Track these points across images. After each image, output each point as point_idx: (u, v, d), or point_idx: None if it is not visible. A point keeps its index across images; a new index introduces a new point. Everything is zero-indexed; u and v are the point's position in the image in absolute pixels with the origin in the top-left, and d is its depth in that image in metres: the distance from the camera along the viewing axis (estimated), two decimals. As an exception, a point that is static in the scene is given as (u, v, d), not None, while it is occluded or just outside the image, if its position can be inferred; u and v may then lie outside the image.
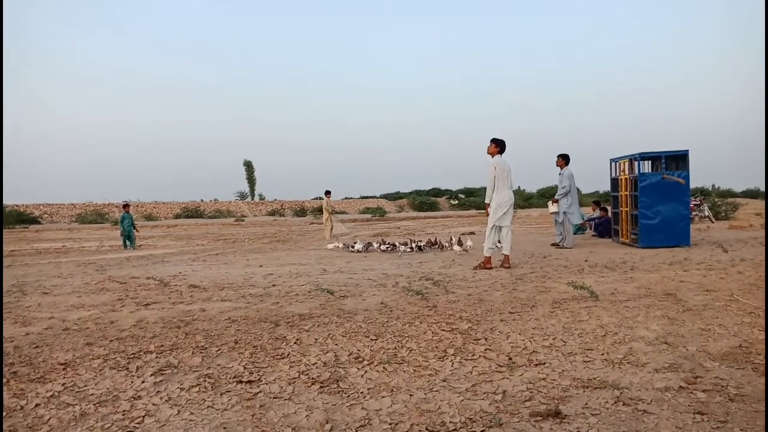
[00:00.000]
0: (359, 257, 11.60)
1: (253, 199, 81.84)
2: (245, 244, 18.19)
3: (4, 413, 3.29)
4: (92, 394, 3.56)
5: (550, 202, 12.38)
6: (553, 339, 4.46)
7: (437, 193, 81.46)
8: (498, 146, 8.96)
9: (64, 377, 3.92)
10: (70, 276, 9.61)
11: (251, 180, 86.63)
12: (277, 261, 11.36)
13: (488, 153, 9.00)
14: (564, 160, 12.09)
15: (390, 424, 2.94)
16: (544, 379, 3.56)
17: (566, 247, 11.79)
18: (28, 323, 5.62)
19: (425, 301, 6.11)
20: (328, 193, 19.72)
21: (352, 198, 78.64)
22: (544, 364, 3.86)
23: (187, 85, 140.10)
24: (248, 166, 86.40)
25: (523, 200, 62.78)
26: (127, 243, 17.42)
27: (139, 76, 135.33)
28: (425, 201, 72.19)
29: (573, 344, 4.31)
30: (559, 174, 12.15)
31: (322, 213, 19.78)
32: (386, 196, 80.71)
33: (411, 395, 3.34)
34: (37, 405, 3.40)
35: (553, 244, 12.45)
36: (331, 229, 19.22)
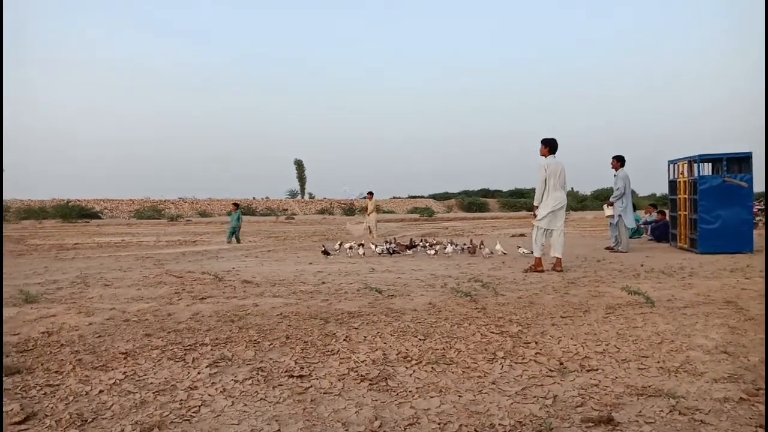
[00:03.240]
0: (407, 257, 11.62)
1: (303, 197, 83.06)
2: (295, 242, 18.48)
3: (71, 398, 3.47)
4: (151, 383, 3.70)
5: (606, 204, 12.11)
6: (607, 345, 4.37)
7: (486, 193, 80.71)
8: (548, 147, 8.80)
9: (125, 366, 4.09)
10: (129, 269, 9.99)
11: (302, 179, 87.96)
12: (327, 259, 11.50)
13: (540, 155, 8.86)
14: (619, 161, 11.80)
15: (438, 423, 2.96)
16: (596, 385, 3.50)
17: (621, 251, 11.50)
18: (92, 313, 5.87)
19: (474, 302, 6.08)
20: (371, 194, 19.76)
21: (400, 198, 78.78)
22: (597, 370, 3.80)
23: (239, 82, 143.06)
24: (299, 165, 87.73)
25: (577, 202, 61.47)
26: (232, 238, 18.16)
27: (190, 69, 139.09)
28: (474, 201, 71.64)
29: (627, 351, 4.21)
30: (614, 176, 11.87)
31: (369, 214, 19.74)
32: (434, 197, 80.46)
33: (460, 396, 3.34)
34: (100, 391, 3.57)
35: (607, 248, 12.16)
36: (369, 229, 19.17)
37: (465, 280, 7.68)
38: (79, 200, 53.21)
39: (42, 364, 4.17)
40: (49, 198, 53.16)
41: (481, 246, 11.89)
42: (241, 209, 19.47)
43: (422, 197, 79.87)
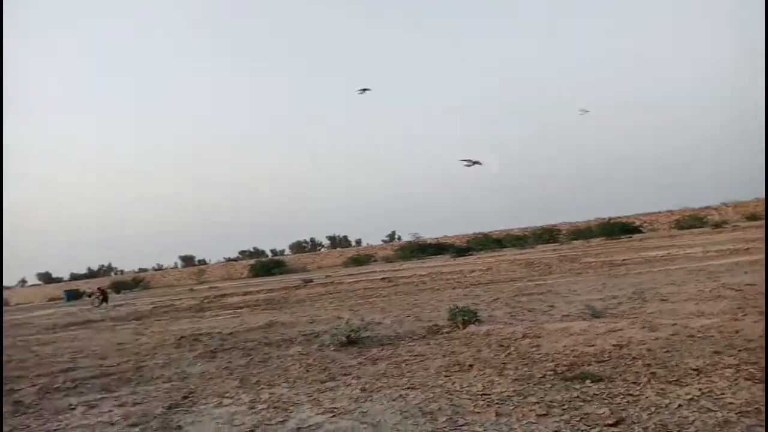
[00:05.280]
0: None
1: None
2: None
3: (652, 408, 3.76)
4: (732, 404, 3.65)
5: None
6: None
7: None
8: None
9: (699, 382, 4.16)
10: (682, 283, 9.94)
11: None
12: None
13: None
14: None
15: None
16: None
17: None
18: (655, 329, 6.14)
19: None
20: None
21: None
22: None
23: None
24: None
25: None
26: None
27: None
28: None
29: None
30: None
31: None
32: None
33: None
34: (679, 405, 3.74)
35: None
36: None
37: None
38: (619, 217, 55.52)
39: (620, 375, 4.64)
40: (593, 218, 57.41)
41: None
42: None
43: None
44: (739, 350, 4.87)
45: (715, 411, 3.55)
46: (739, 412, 3.47)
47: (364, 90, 19.47)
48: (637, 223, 53.94)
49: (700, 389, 3.99)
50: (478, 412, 4.09)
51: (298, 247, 75.22)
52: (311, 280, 25.17)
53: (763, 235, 23.71)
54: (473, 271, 21.03)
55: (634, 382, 4.38)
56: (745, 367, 4.34)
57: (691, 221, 48.08)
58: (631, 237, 41.72)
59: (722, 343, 5.21)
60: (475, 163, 15.19)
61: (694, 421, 3.45)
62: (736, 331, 5.54)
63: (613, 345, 5.67)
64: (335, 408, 4.55)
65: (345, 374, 5.73)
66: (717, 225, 41.54)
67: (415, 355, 6.29)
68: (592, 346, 5.77)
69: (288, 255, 69.24)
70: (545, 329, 6.86)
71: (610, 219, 53.67)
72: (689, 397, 3.87)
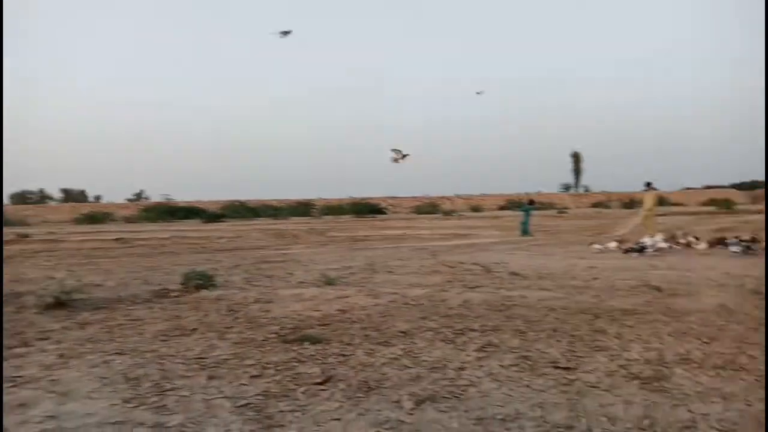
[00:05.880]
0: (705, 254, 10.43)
1: (577, 190, 79.90)
2: (566, 237, 17.96)
3: (359, 367, 3.98)
4: (425, 361, 4.04)
5: None
6: None
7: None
8: None
9: (403, 343, 4.53)
10: (408, 259, 10.92)
11: (577, 171, 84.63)
12: (602, 255, 10.97)
13: None
14: None
15: (719, 430, 2.66)
16: None
17: None
18: (377, 296, 6.59)
19: (778, 305, 5.23)
20: (648, 185, 16.97)
21: (693, 188, 70.36)
22: None
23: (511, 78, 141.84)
24: (576, 157, 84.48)
25: None
26: (526, 231, 18.49)
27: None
28: (789, 191, 60.14)
29: None
30: None
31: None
32: (738, 186, 69.67)
33: (749, 405, 2.95)
34: (383, 363, 4.02)
35: None
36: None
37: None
38: (369, 198, 59.29)
39: (338, 337, 4.83)
40: (346, 196, 60.39)
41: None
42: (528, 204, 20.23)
43: (722, 187, 69.89)
44: (442, 316, 5.45)
45: (411, 367, 3.89)
46: (430, 368, 3.85)
47: (286, 33, 17.06)
48: (384, 205, 58.01)
49: (403, 349, 4.35)
50: (189, 376, 3.89)
51: (20, 198, 65.29)
52: (28, 236, 21.96)
53: (477, 224, 27.35)
54: (221, 237, 20.50)
55: (348, 344, 4.59)
56: (443, 330, 4.86)
57: (428, 208, 53.49)
58: (376, 217, 44.68)
59: (429, 310, 5.78)
60: (405, 156, 16.99)
61: (392, 376, 3.72)
62: (442, 300, 6.21)
63: (338, 310, 5.93)
64: (19, 377, 3.93)
65: (42, 339, 5.02)
66: (447, 213, 46.80)
67: (133, 320, 5.79)
68: (319, 311, 5.95)
69: (7, 205, 59.72)
70: (278, 295, 6.92)
71: (361, 199, 56.78)
72: (393, 356, 4.19)
